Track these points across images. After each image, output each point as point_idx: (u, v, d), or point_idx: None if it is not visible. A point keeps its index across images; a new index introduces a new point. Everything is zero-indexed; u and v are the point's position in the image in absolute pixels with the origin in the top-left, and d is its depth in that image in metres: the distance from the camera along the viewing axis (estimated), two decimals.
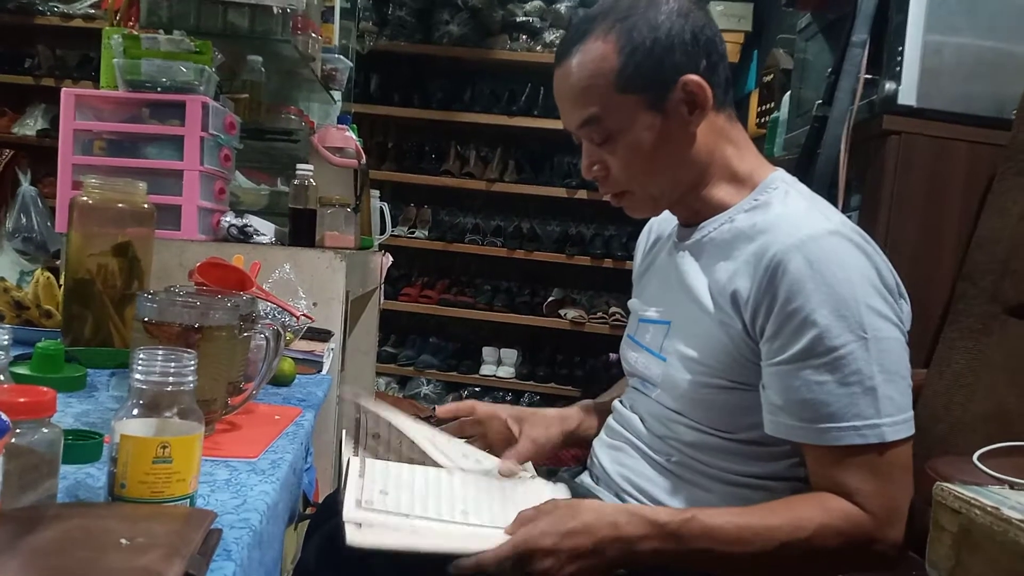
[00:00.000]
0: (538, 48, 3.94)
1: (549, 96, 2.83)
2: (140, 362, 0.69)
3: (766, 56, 3.02)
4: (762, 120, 2.77)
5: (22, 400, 0.62)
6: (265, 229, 1.80)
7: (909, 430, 0.92)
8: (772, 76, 2.72)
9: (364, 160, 2.09)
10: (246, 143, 2.00)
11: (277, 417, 1.11)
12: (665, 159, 1.03)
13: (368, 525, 0.88)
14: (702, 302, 1.02)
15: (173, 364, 0.70)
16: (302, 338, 1.48)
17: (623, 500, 1.07)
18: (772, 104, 2.60)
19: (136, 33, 1.79)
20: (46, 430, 0.64)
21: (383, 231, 2.52)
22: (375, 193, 2.43)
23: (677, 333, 1.05)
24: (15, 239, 3.62)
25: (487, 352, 4.02)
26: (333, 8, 2.60)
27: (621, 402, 1.17)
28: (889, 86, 1.53)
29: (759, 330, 0.95)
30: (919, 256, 1.49)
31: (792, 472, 1.00)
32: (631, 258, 2.29)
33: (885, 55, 1.57)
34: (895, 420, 0.90)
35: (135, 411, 0.68)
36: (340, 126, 2.07)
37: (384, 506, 0.92)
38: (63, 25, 3.92)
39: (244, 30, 1.94)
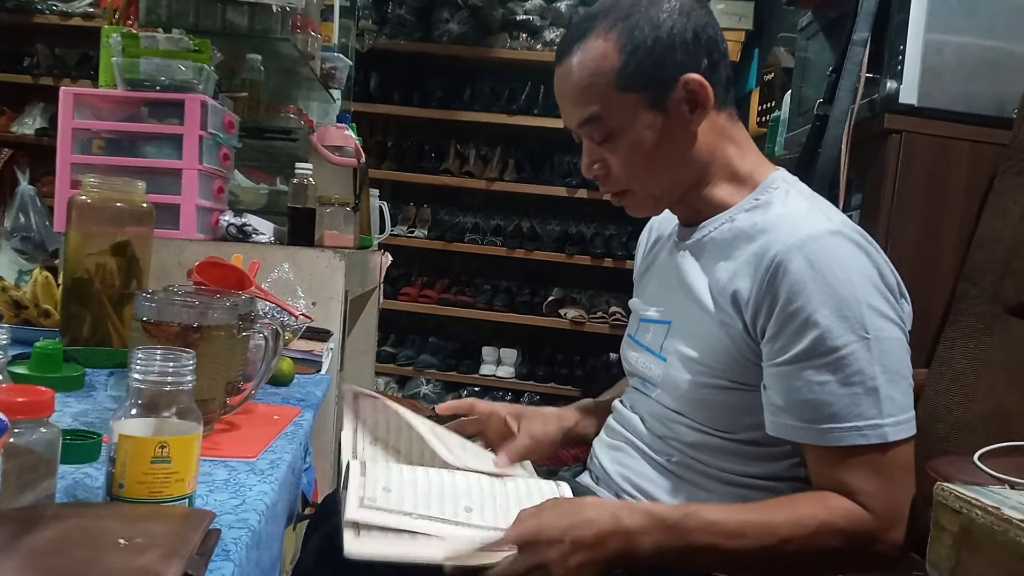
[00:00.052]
0: (538, 47, 3.93)
1: (549, 95, 2.84)
2: (138, 362, 0.69)
3: (767, 55, 3.02)
4: (763, 119, 2.76)
5: (20, 400, 0.62)
6: (264, 228, 1.80)
7: (911, 430, 0.92)
8: (773, 75, 2.71)
9: (363, 159, 2.09)
10: (245, 142, 2.00)
11: (276, 417, 1.11)
12: (666, 158, 1.03)
13: (367, 532, 0.88)
14: (702, 302, 1.01)
15: (172, 364, 0.69)
16: (301, 338, 1.47)
17: (623, 500, 1.07)
18: (773, 103, 2.59)
19: (135, 32, 1.79)
20: (44, 430, 0.64)
21: (382, 230, 2.52)
22: (374, 192, 2.43)
23: (677, 333, 1.05)
24: (13, 238, 3.60)
25: (487, 352, 4.01)
26: (332, 6, 2.60)
27: (621, 402, 1.17)
28: (890, 85, 1.52)
29: (760, 330, 0.95)
30: (920, 256, 1.49)
31: (793, 472, 1.00)
32: (631, 258, 2.29)
33: (886, 54, 1.57)
34: (897, 420, 0.90)
35: (133, 411, 0.68)
36: (339, 125, 2.07)
37: (387, 503, 0.92)
38: (62, 24, 3.92)
39: (243, 28, 1.94)
